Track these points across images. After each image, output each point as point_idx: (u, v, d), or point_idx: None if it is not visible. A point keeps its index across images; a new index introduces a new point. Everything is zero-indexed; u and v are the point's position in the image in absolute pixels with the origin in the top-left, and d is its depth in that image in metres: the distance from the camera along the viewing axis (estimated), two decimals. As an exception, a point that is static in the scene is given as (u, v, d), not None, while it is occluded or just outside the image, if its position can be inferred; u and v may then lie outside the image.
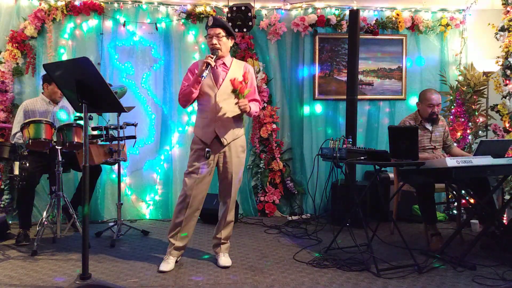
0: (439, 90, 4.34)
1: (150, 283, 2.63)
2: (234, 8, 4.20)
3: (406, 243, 2.97)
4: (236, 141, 2.93)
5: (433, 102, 3.54)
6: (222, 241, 3.04)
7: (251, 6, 4.19)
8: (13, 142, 3.53)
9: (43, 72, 3.89)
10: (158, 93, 4.62)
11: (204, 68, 2.71)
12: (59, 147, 3.28)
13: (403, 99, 4.88)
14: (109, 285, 2.53)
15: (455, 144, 3.90)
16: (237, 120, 2.92)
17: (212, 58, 2.74)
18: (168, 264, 2.87)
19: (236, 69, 2.93)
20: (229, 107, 2.84)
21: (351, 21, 4.17)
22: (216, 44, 2.82)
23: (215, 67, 2.86)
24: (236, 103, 2.77)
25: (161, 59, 4.61)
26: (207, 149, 2.85)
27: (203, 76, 2.71)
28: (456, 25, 4.85)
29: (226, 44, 2.87)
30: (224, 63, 2.90)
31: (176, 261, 2.97)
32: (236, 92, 2.75)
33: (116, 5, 4.52)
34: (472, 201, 3.44)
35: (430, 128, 3.63)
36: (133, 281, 2.67)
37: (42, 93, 3.79)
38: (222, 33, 2.83)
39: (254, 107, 2.94)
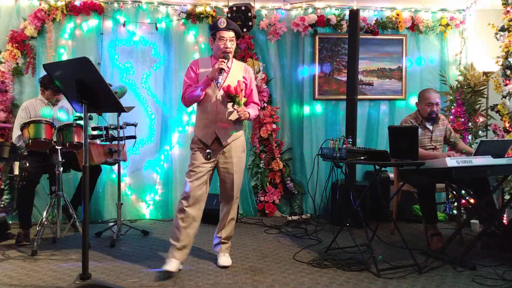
0: (439, 90, 4.34)
1: (150, 283, 2.63)
2: (234, 8, 4.20)
3: (406, 243, 2.97)
4: (236, 141, 2.92)
5: (432, 101, 3.54)
6: (223, 240, 3.03)
7: (251, 6, 4.20)
8: (17, 144, 3.52)
9: (43, 72, 3.87)
10: (158, 93, 4.61)
11: (217, 73, 2.72)
12: (59, 147, 3.28)
13: (403, 99, 4.88)
14: (109, 285, 2.53)
15: (460, 139, 3.88)
16: (237, 120, 2.91)
17: (225, 62, 2.75)
18: (167, 264, 2.84)
19: (237, 70, 2.93)
20: (230, 108, 2.84)
21: (351, 21, 4.16)
22: (230, 48, 2.82)
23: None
24: (234, 109, 2.78)
25: (161, 59, 4.61)
26: (207, 150, 2.85)
27: (218, 82, 2.73)
28: (456, 25, 4.85)
29: (234, 47, 2.88)
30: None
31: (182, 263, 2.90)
32: (236, 100, 2.75)
33: (116, 5, 4.52)
34: (472, 201, 3.43)
35: (430, 127, 3.63)
36: (133, 281, 2.67)
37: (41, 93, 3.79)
38: (234, 36, 2.85)
39: (253, 112, 2.95)
